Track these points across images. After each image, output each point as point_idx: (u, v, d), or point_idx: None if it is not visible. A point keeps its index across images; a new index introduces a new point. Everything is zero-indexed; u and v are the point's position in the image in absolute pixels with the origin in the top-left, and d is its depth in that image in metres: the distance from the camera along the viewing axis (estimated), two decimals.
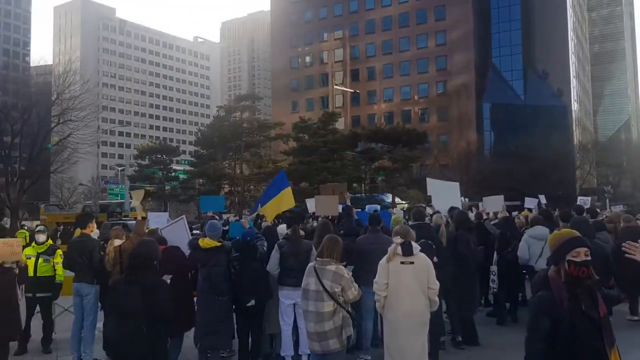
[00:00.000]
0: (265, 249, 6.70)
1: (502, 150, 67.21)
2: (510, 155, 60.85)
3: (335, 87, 62.05)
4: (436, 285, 5.28)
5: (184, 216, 8.23)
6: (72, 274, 7.63)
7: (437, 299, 5.32)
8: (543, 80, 77.35)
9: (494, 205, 10.35)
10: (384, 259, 5.33)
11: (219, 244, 6.29)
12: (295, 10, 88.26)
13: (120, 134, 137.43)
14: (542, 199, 15.21)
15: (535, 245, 8.21)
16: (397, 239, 5.31)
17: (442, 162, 60.35)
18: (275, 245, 6.62)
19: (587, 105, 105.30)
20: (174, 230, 7.54)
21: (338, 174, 47.06)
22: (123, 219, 29.68)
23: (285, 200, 15.36)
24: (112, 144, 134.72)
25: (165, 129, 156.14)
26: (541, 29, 76.69)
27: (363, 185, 53.02)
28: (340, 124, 63.31)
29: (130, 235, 7.83)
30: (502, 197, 10.86)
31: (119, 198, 42.82)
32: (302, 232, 6.91)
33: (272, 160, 58.84)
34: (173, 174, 63.09)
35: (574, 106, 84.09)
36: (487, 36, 77.59)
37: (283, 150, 56.86)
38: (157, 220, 8.96)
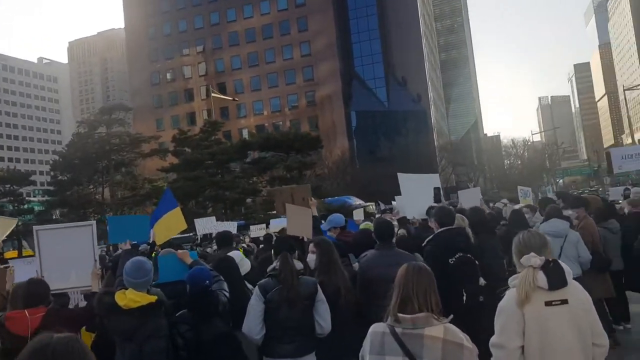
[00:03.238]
0: (227, 296, 4.33)
1: (371, 156, 68.99)
2: (380, 160, 62.85)
3: (213, 95, 58.42)
4: (605, 337, 3.04)
5: (93, 222, 5.97)
6: None
7: None
8: (403, 87, 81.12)
9: (470, 199, 9.13)
10: (509, 302, 2.98)
11: (152, 298, 3.93)
12: (153, 24, 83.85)
13: None
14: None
15: (551, 244, 6.65)
16: (531, 259, 2.96)
17: (317, 172, 60.25)
18: (256, 290, 4.30)
19: (441, 109, 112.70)
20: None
21: (229, 188, 43.30)
22: None
23: (175, 222, 13.30)
24: None
25: (11, 159, 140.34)
26: (397, 39, 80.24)
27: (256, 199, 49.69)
28: None
29: None
30: (478, 189, 9.86)
31: None
32: (298, 264, 4.57)
33: (148, 179, 52.42)
34: (26, 206, 55.74)
35: (432, 110, 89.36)
36: (349, 46, 79.68)
37: (160, 168, 50.67)
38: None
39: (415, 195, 7.42)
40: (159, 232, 13.62)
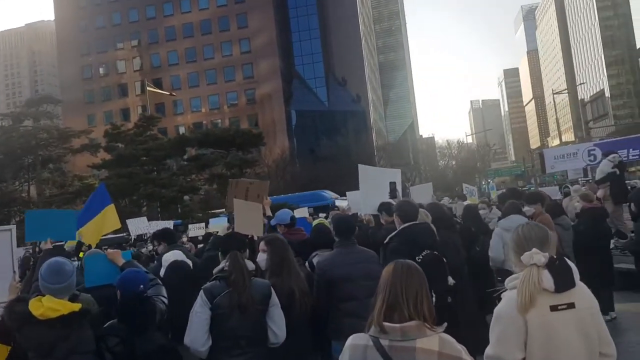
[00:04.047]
0: (165, 302, 3.84)
1: (312, 155, 69.03)
2: (320, 160, 63.03)
3: (148, 89, 55.90)
4: (613, 346, 2.64)
5: (12, 227, 5.34)
6: None
7: None
8: (343, 87, 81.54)
9: (422, 195, 8.76)
10: (509, 308, 2.55)
11: (75, 307, 3.29)
12: (85, 16, 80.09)
13: None
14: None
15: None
16: (534, 256, 2.51)
17: (257, 171, 59.49)
18: (200, 295, 3.72)
19: (380, 110, 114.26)
20: None
21: (165, 186, 41.20)
22: None
23: (108, 220, 12.39)
24: None
25: None
26: (338, 39, 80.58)
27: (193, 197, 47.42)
28: None
29: None
30: (430, 184, 9.55)
31: None
32: (250, 265, 3.95)
33: (78, 176, 48.89)
34: None
35: (371, 111, 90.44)
36: (289, 44, 79.27)
37: (92, 164, 47.37)
38: None
39: (373, 190, 6.98)
40: (89, 230, 12.59)
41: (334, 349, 4.35)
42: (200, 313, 3.65)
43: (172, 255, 5.21)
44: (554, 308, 2.48)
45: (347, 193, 9.38)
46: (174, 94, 65.73)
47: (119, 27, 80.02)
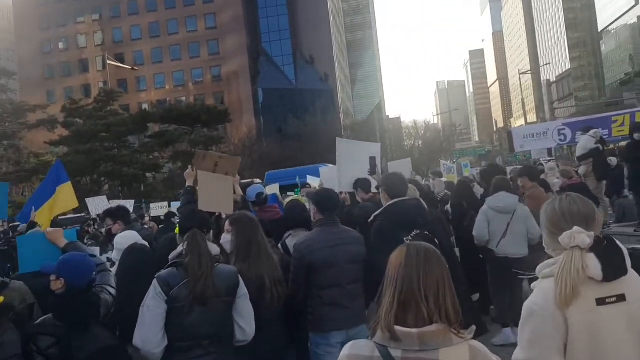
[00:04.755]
0: (112, 294, 3.29)
1: (279, 134, 68.17)
2: (287, 139, 62.30)
3: (109, 62, 53.64)
4: None
5: None
6: None
7: None
8: (310, 66, 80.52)
9: (401, 171, 8.22)
10: (544, 301, 2.03)
11: None
12: None
13: None
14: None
15: (497, 220, 5.96)
16: (577, 235, 1.99)
17: (223, 150, 58.41)
18: (154, 285, 3.11)
19: (347, 89, 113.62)
20: None
21: (127, 163, 39.70)
22: None
23: (63, 199, 11.57)
24: None
25: None
26: (305, 16, 79.28)
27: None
28: None
29: None
30: (409, 160, 9.03)
31: None
32: (214, 248, 3.37)
33: (34, 153, 46.52)
34: None
35: (339, 90, 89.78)
36: (256, 21, 77.61)
37: (49, 141, 45.63)
38: None
39: (351, 165, 6.46)
40: (44, 211, 11.71)
41: (313, 341, 3.86)
42: (153, 307, 3.04)
43: (127, 237, 4.55)
44: (601, 301, 1.97)
45: (320, 169, 8.86)
46: (136, 68, 63.41)
47: (79, 0, 76.82)
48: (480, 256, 6.15)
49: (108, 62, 54.11)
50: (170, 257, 3.32)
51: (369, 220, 4.06)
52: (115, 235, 4.95)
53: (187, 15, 74.63)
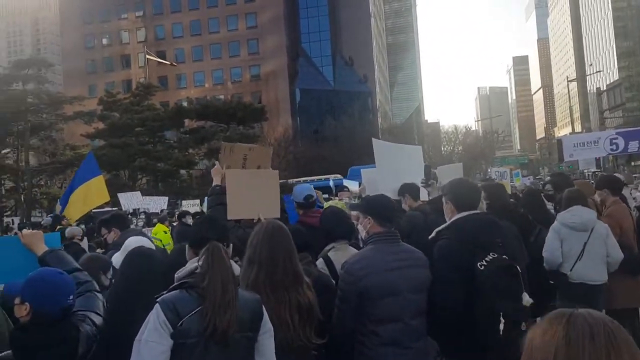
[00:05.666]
0: (96, 326, 2.52)
1: (315, 135, 67.64)
2: (323, 140, 61.65)
3: (148, 57, 53.97)
4: None
5: None
6: None
7: None
8: (349, 67, 79.70)
9: (451, 176, 7.29)
10: None
11: None
12: None
13: None
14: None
15: (571, 239, 4.96)
16: None
17: None
18: (156, 311, 2.30)
19: (386, 92, 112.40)
20: None
21: (161, 158, 39.27)
22: None
23: (94, 193, 11.01)
24: None
25: None
26: (347, 17, 78.53)
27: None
28: None
29: None
30: (460, 165, 8.14)
31: None
32: (236, 268, 2.58)
33: (71, 146, 45.63)
34: None
35: (377, 92, 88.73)
36: (297, 21, 77.26)
37: (85, 133, 45.12)
38: None
39: (392, 169, 5.60)
40: (74, 203, 11.09)
41: None
42: (154, 342, 2.25)
43: (136, 240, 3.81)
44: None
45: (362, 171, 8.07)
46: (175, 64, 63.59)
47: None
48: (551, 282, 5.18)
49: (148, 57, 54.30)
50: (176, 275, 2.52)
51: (430, 237, 3.22)
52: (110, 244, 4.21)
53: (228, 14, 74.84)
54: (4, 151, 45.39)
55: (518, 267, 2.93)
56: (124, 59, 78.53)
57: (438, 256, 3.06)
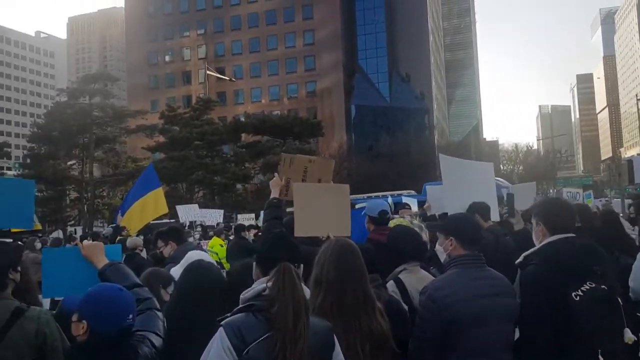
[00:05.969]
0: (156, 348, 2.27)
1: (370, 152, 67.19)
2: (378, 157, 61.13)
3: (208, 73, 55.41)
4: None
5: None
6: None
7: None
8: (406, 83, 79.10)
9: (525, 196, 6.80)
10: None
11: None
12: (153, 2, 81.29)
13: None
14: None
15: None
16: None
17: None
18: (220, 336, 2.11)
19: (443, 109, 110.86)
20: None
21: (218, 172, 40.14)
22: None
23: (154, 204, 11.08)
24: None
25: (2, 133, 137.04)
26: (404, 34, 78.20)
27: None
28: None
29: None
30: (534, 184, 7.71)
31: None
32: (307, 291, 2.34)
33: (132, 158, 47.57)
34: None
35: (435, 109, 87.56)
36: (354, 37, 77.57)
37: (146, 146, 46.43)
38: None
39: (460, 186, 5.24)
40: (133, 215, 11.22)
41: None
42: None
43: (196, 254, 3.64)
44: None
45: (427, 188, 7.67)
46: (234, 79, 64.91)
47: (186, 14, 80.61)
48: (638, 314, 4.65)
49: (207, 72, 55.67)
50: (242, 296, 2.30)
51: (517, 262, 2.88)
52: (166, 258, 4.06)
53: (286, 31, 75.99)
54: (69, 162, 47.46)
55: (619, 299, 2.55)
56: (185, 75, 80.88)
57: (526, 283, 2.71)
